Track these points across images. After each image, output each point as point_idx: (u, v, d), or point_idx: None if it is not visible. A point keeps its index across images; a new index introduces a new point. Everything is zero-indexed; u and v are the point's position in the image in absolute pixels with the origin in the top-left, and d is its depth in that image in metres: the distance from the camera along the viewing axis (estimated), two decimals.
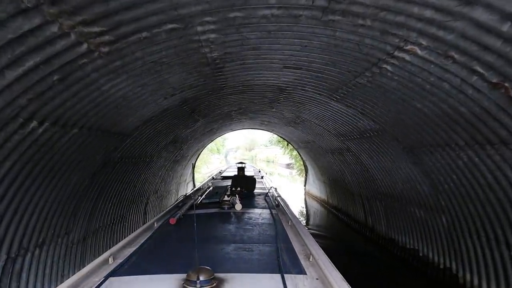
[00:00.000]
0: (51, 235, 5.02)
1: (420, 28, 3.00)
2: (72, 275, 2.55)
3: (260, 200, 6.55)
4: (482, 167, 4.30)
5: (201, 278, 2.27)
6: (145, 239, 3.65)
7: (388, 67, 3.82)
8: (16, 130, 3.14)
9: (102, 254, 3.02)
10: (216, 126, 11.94)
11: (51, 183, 4.29)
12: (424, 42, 3.18)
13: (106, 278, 2.51)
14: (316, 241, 3.36)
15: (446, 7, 2.65)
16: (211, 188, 8.39)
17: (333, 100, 6.03)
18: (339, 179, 12.05)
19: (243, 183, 7.56)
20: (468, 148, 4.28)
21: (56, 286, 3.17)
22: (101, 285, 2.40)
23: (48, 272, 4.79)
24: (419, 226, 6.89)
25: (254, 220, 4.67)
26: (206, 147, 21.68)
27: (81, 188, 5.45)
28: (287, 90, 6.28)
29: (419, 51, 3.29)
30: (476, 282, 5.28)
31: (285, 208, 5.52)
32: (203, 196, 6.95)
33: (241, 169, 9.77)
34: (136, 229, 4.00)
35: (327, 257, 2.87)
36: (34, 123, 3.29)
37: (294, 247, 3.29)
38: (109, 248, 3.24)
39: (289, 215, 4.84)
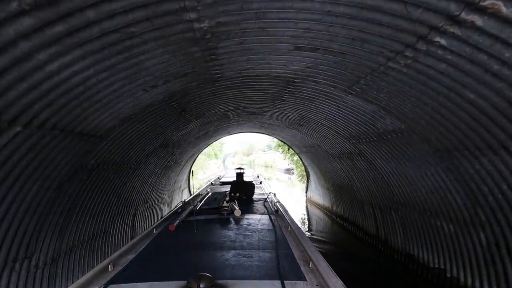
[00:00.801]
0: (3, 260, 4.12)
1: None
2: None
3: (259, 206, 6.53)
4: None
5: (202, 285, 2.31)
6: (145, 246, 3.64)
7: (442, 41, 2.79)
8: None
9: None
10: (212, 128, 11.03)
11: None
12: None
13: (106, 286, 2.50)
14: (317, 248, 3.31)
15: None
16: (210, 194, 8.28)
17: (350, 94, 5.04)
18: (346, 186, 11.31)
19: (242, 189, 7.61)
20: None
21: None
22: None
23: None
24: (448, 242, 6.00)
25: (253, 226, 4.66)
26: (203, 152, 21.13)
27: (44, 200, 4.50)
28: (294, 82, 5.27)
29: (503, 8, 2.26)
30: None
31: (284, 213, 5.43)
32: (202, 202, 6.85)
33: (240, 175, 9.74)
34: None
35: (326, 263, 2.86)
36: None
37: (294, 253, 3.28)
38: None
39: (288, 220, 4.76)
